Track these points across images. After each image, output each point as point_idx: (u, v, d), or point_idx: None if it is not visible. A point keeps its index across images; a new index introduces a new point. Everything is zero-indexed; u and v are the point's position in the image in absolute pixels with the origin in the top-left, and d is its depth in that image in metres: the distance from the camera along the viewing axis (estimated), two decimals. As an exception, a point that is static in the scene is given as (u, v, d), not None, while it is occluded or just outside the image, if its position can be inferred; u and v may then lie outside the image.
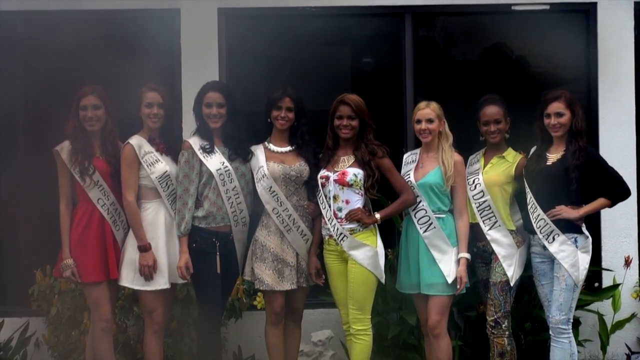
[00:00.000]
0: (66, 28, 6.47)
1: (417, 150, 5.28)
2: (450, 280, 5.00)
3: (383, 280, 5.08)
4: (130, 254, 5.03)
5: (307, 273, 5.20)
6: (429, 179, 5.06)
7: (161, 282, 5.02)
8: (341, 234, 4.99)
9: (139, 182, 5.04)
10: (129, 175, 5.00)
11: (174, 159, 5.14)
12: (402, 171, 5.20)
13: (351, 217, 4.98)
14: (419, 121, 5.11)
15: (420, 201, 5.06)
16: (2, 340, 5.96)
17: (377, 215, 5.03)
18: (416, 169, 5.15)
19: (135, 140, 5.05)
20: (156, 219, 5.05)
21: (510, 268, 5.11)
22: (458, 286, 5.01)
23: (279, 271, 5.07)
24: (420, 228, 5.05)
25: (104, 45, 6.51)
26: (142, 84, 5.16)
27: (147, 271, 4.96)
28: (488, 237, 5.16)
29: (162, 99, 5.12)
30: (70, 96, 5.11)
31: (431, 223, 5.03)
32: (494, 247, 5.15)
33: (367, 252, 4.98)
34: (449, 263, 5.02)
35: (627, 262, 6.31)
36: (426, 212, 5.04)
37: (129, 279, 5.03)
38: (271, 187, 5.06)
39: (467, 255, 5.07)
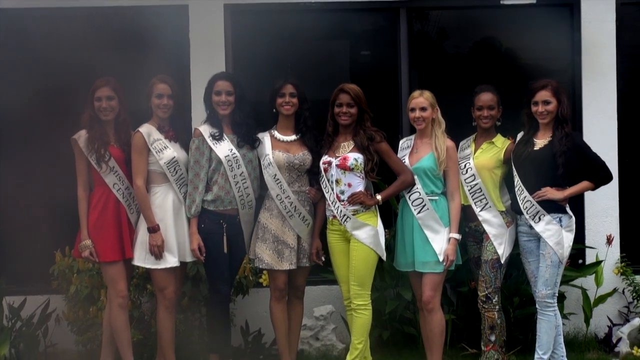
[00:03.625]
0: (81, 24, 6.46)
1: (412, 137, 5.29)
2: (442, 259, 5.02)
3: (384, 258, 5.11)
4: (142, 235, 5.06)
5: (309, 253, 5.22)
6: (422, 164, 5.08)
7: (171, 261, 5.05)
8: (344, 215, 5.00)
9: (149, 168, 5.05)
10: (138, 161, 5.01)
11: (182, 145, 5.17)
12: (398, 156, 5.19)
13: (354, 199, 4.99)
14: (413, 109, 5.12)
15: (415, 184, 5.07)
16: (25, 316, 5.95)
17: (378, 197, 5.04)
18: (411, 154, 5.17)
19: (145, 129, 5.07)
20: (165, 201, 5.07)
21: (500, 246, 5.14)
22: (445, 264, 5.02)
23: (278, 252, 5.10)
24: (415, 209, 5.06)
25: (118, 40, 6.49)
26: (154, 76, 5.18)
27: (157, 251, 4.99)
28: (479, 218, 5.18)
29: (172, 90, 5.14)
30: (86, 88, 5.13)
31: (424, 205, 5.04)
32: (485, 227, 5.18)
33: (369, 232, 5.00)
34: (441, 242, 5.04)
35: (609, 240, 6.38)
36: (420, 195, 5.05)
37: (141, 258, 5.06)
38: (275, 174, 5.08)
39: (457, 236, 5.08)
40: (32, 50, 6.50)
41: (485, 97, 5.20)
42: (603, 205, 6.47)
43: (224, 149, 5.06)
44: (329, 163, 5.06)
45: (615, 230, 6.48)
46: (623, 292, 6.46)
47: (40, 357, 5.95)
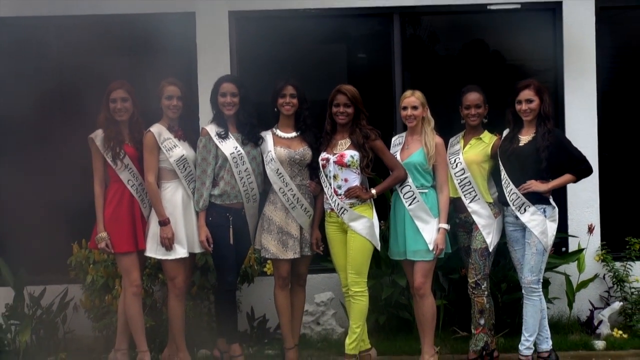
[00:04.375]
0: (96, 31, 6.49)
1: (403, 134, 5.33)
2: (431, 247, 5.06)
3: (379, 248, 5.14)
4: (154, 228, 5.09)
5: (310, 243, 5.25)
6: (413, 159, 5.11)
7: (180, 252, 5.09)
8: (342, 208, 5.04)
9: (160, 165, 5.09)
10: (150, 159, 5.05)
11: (191, 144, 5.19)
12: (391, 152, 5.22)
13: (350, 193, 5.03)
14: (405, 108, 5.15)
15: (407, 178, 5.10)
16: (45, 305, 5.99)
17: (373, 191, 5.07)
18: (402, 150, 5.20)
19: (156, 129, 5.10)
20: (174, 197, 5.11)
21: (489, 236, 5.18)
22: (435, 252, 5.06)
23: (283, 242, 5.14)
24: (406, 202, 5.09)
25: (129, 45, 6.55)
26: (163, 79, 5.21)
27: (167, 242, 5.03)
28: (469, 209, 5.21)
29: (181, 92, 5.17)
30: (101, 90, 5.16)
31: (415, 197, 5.07)
32: (475, 217, 5.20)
33: (365, 223, 5.03)
34: (431, 232, 5.07)
35: (590, 230, 6.40)
36: (411, 188, 5.08)
37: (152, 249, 5.10)
38: (278, 169, 5.12)
39: (446, 226, 5.11)
40: (49, 56, 6.52)
41: (472, 97, 5.23)
42: (584, 197, 6.51)
43: (230, 146, 5.10)
44: (327, 160, 5.10)
45: (596, 220, 6.52)
46: (604, 277, 6.50)
47: (59, 342, 5.97)
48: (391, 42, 6.62)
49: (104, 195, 5.10)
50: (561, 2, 6.54)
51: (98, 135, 5.07)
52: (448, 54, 6.95)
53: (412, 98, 5.14)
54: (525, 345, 5.19)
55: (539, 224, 5.03)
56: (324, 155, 5.14)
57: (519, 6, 6.59)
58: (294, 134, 5.25)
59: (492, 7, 6.61)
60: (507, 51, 6.83)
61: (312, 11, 6.57)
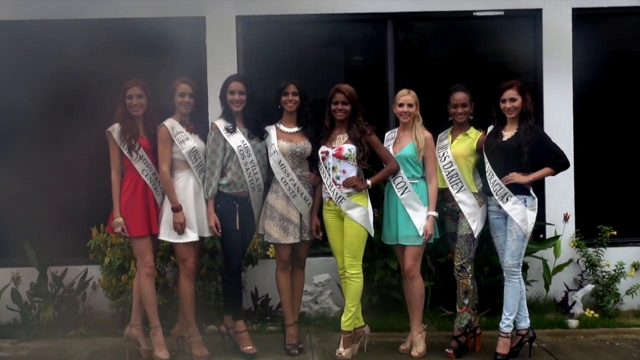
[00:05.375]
0: (113, 33, 6.49)
1: (396, 129, 5.31)
2: (421, 233, 5.06)
3: (372, 234, 5.14)
4: (167, 214, 5.06)
5: (309, 229, 5.24)
6: (404, 152, 5.11)
7: (191, 236, 5.05)
8: (339, 197, 5.03)
9: (173, 156, 5.05)
10: (163, 150, 5.02)
11: (201, 137, 5.16)
12: (384, 146, 5.20)
13: (348, 184, 5.03)
14: (401, 105, 5.14)
15: (400, 170, 5.09)
16: (66, 284, 6.02)
17: (368, 182, 5.07)
18: (395, 144, 5.19)
19: (169, 123, 5.08)
20: (186, 185, 5.08)
21: (474, 223, 5.15)
22: (424, 237, 5.07)
23: (284, 228, 5.13)
24: (398, 191, 5.09)
25: (145, 46, 6.52)
26: (176, 78, 5.18)
27: (179, 227, 5.00)
28: (456, 199, 5.18)
29: (192, 90, 5.14)
30: (120, 89, 5.13)
31: (407, 187, 5.08)
32: (461, 206, 5.17)
33: (361, 211, 5.03)
34: (421, 219, 5.07)
35: (566, 218, 6.43)
36: (403, 179, 5.08)
37: (165, 233, 5.06)
38: (280, 161, 5.10)
39: (435, 214, 5.11)
40: (71, 57, 6.48)
41: (459, 96, 5.19)
42: (561, 188, 6.51)
43: (237, 140, 5.09)
44: (327, 153, 5.09)
45: (571, 210, 6.53)
46: (577, 262, 6.52)
47: (79, 318, 6.01)
48: (385, 46, 6.62)
49: (120, 184, 5.06)
50: (541, 10, 6.56)
51: (115, 129, 5.04)
52: (437, 56, 6.95)
53: (408, 96, 5.14)
54: (506, 323, 5.16)
55: (520, 212, 5.01)
56: (323, 148, 5.13)
57: (502, 13, 6.60)
58: (296, 128, 5.23)
59: (478, 14, 6.62)
60: (491, 54, 6.85)
61: (312, 16, 6.56)
